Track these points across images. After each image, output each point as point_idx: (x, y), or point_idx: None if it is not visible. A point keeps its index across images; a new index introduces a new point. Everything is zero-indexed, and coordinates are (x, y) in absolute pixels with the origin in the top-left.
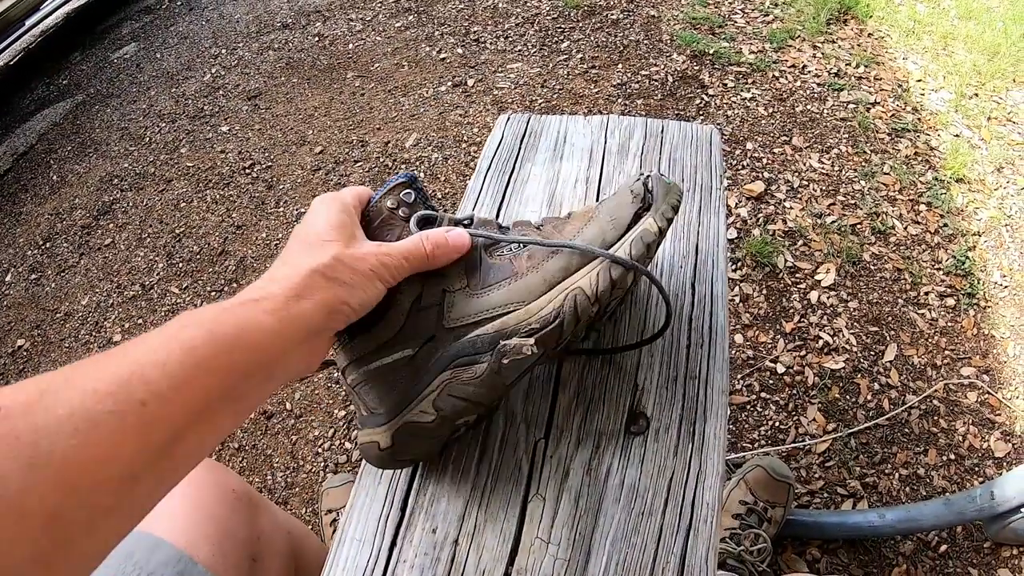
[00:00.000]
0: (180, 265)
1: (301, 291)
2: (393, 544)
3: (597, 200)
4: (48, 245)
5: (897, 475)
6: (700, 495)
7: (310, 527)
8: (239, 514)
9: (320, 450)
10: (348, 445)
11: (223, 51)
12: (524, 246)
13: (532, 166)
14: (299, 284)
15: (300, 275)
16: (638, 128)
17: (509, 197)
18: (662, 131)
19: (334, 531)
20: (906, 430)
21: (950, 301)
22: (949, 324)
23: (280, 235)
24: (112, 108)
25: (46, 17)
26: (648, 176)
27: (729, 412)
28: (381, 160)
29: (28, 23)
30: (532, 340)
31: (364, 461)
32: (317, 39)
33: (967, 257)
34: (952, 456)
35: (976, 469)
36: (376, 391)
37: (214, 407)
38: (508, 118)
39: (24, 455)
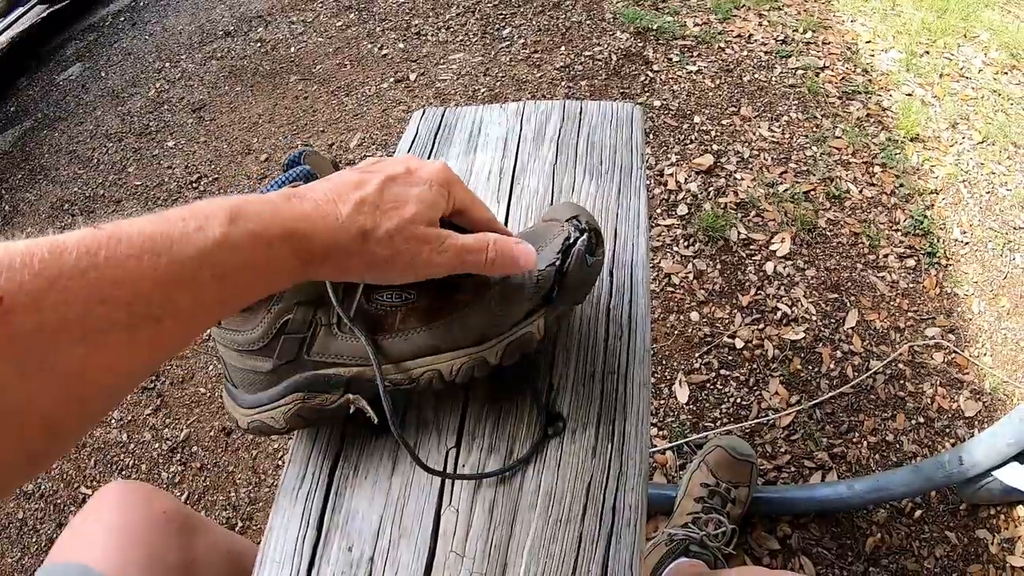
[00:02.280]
0: None
1: (334, 248)
2: (311, 565)
3: (510, 191)
4: None
5: (865, 443)
6: (621, 498)
7: None
8: (171, 537)
9: (281, 463)
10: None
11: (167, 64)
12: (405, 301)
13: (445, 160)
14: (336, 243)
15: (350, 235)
16: (555, 112)
17: None
18: (580, 112)
19: None
20: (872, 397)
21: (910, 262)
22: (910, 285)
23: None
24: (60, 132)
25: None
26: (573, 245)
27: (685, 398)
28: None
29: None
30: (373, 411)
31: (281, 482)
32: (259, 45)
33: (925, 216)
34: (921, 419)
35: (947, 431)
36: (236, 376)
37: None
38: (423, 112)
39: (27, 362)
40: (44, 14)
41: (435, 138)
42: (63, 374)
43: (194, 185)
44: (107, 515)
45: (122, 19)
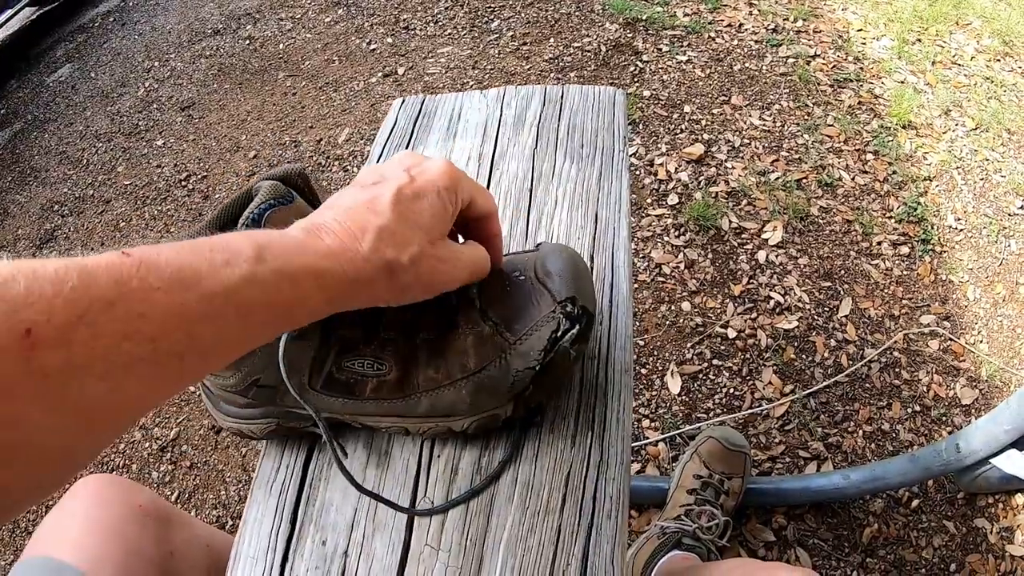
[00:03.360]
0: None
1: (360, 282)
2: (285, 559)
3: (489, 176)
4: None
5: (861, 432)
6: (602, 488)
7: None
8: (148, 531)
9: None
10: None
11: (156, 63)
12: (378, 372)
13: (424, 148)
14: (362, 274)
15: (374, 265)
16: (536, 96)
17: None
18: (562, 97)
19: None
20: (867, 385)
21: (904, 249)
22: (905, 273)
23: None
24: (50, 133)
25: None
26: (560, 339)
27: (677, 389)
28: (314, 158)
29: None
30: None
31: (256, 475)
32: (248, 42)
33: (919, 203)
34: (917, 408)
35: (943, 419)
36: (214, 394)
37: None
38: (403, 101)
39: (50, 398)
40: (34, 16)
41: (414, 126)
42: (85, 409)
43: (183, 183)
44: (83, 509)
45: (111, 19)
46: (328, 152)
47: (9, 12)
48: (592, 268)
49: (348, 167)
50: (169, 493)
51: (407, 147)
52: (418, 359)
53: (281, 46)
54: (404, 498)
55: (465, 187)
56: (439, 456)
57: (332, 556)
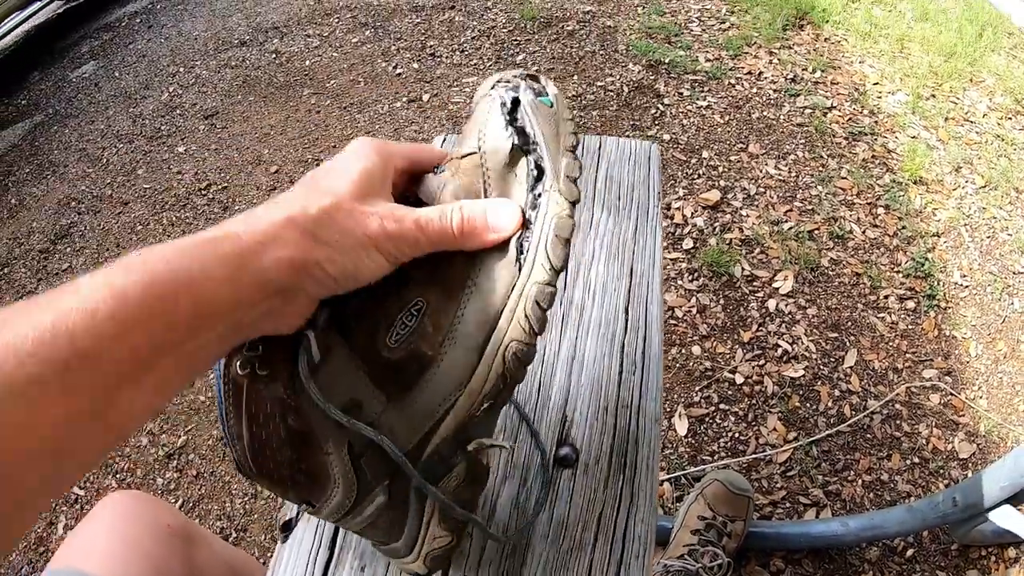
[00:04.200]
0: None
1: (267, 241)
2: None
3: None
4: (6, 271)
5: (860, 481)
6: (632, 528)
7: (269, 555)
8: (174, 550)
9: None
10: None
11: (181, 69)
12: (417, 318)
13: None
14: (267, 232)
15: (273, 223)
16: None
17: None
18: (599, 148)
19: None
20: (868, 436)
21: (910, 304)
22: (910, 327)
23: None
24: (71, 129)
25: (5, 35)
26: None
27: (684, 431)
28: None
29: None
30: (491, 441)
31: None
32: (274, 56)
33: (926, 259)
34: (916, 459)
35: (941, 471)
36: (375, 535)
37: (153, 363)
38: (444, 139)
39: (91, 411)
40: (61, 10)
41: None
42: (115, 423)
43: (203, 192)
44: (110, 524)
45: (138, 20)
46: None
47: (38, 4)
48: (626, 320)
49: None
50: (173, 501)
51: None
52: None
53: (307, 62)
54: None
55: (393, 147)
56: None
57: None
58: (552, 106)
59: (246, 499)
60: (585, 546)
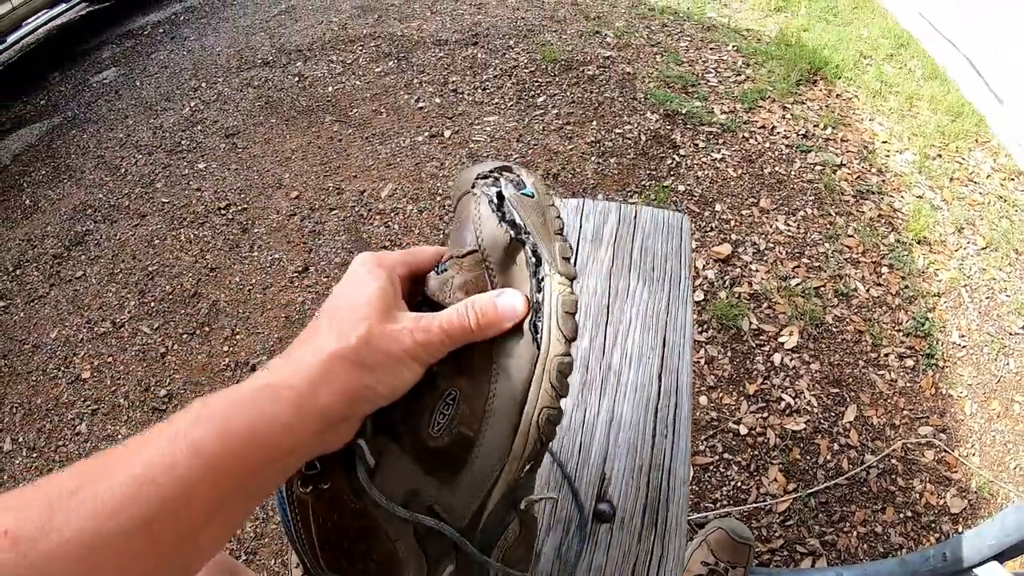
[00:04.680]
0: (152, 304)
1: (320, 380)
2: None
3: None
4: (18, 272)
5: (855, 533)
6: None
7: None
8: None
9: None
10: None
11: (203, 84)
12: (453, 407)
13: None
14: (319, 372)
15: (320, 361)
16: (612, 213)
17: None
18: (635, 217)
19: None
20: (864, 489)
21: (909, 362)
22: (908, 384)
23: (254, 280)
24: (89, 134)
25: (29, 34)
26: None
27: (689, 499)
28: (356, 209)
29: (10, 39)
30: (539, 495)
31: None
32: (297, 79)
33: (927, 318)
34: (909, 513)
35: (933, 526)
36: None
37: (226, 507)
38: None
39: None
40: (84, 12)
41: None
42: (191, 562)
43: (222, 212)
44: None
45: (161, 31)
46: (371, 205)
47: (64, 6)
48: (659, 387)
49: (389, 223)
50: None
51: None
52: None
53: (330, 89)
54: None
55: (389, 259)
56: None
57: None
58: (533, 195)
59: (256, 523)
60: None
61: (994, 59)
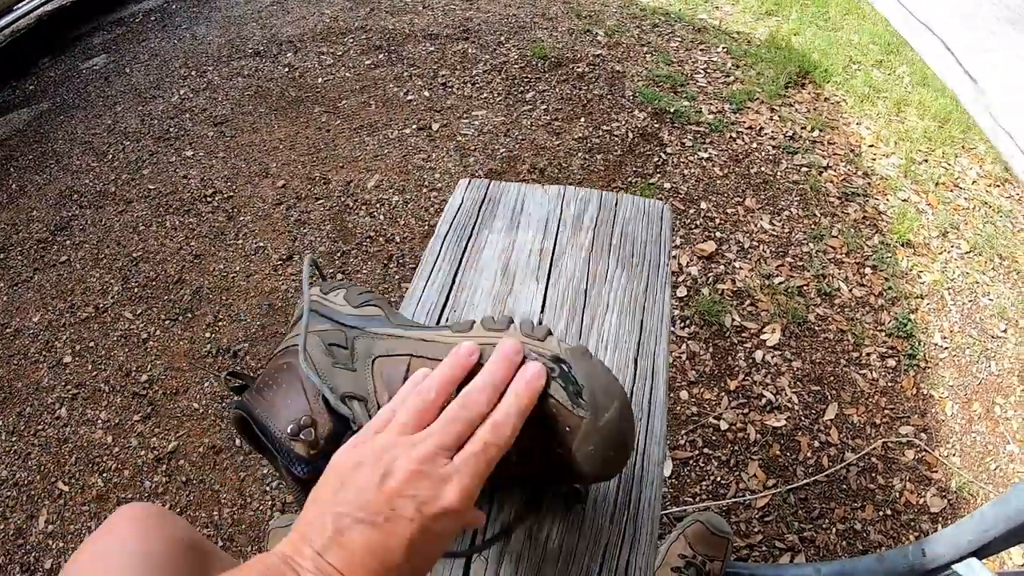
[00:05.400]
0: (135, 290)
1: None
2: None
3: (548, 273)
4: (2, 256)
5: (834, 530)
6: (634, 560)
7: None
8: (191, 566)
9: (268, 488)
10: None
11: (192, 73)
12: None
13: (489, 233)
14: None
15: None
16: (593, 200)
17: (465, 263)
18: (616, 204)
19: None
20: (844, 486)
21: (891, 362)
22: (889, 384)
23: (238, 267)
24: (77, 120)
25: (19, 19)
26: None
27: (668, 472)
28: (342, 199)
29: (0, 23)
30: None
31: None
32: (287, 70)
33: (909, 319)
34: (889, 511)
35: (912, 524)
36: None
37: None
38: (469, 183)
39: None
40: None
41: (479, 210)
42: None
43: (208, 199)
44: (122, 541)
45: (152, 19)
46: (356, 195)
47: None
48: (635, 371)
49: (375, 213)
50: (160, 506)
51: (473, 228)
52: None
53: (320, 80)
54: (464, 542)
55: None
56: (495, 520)
57: None
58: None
59: (235, 509)
60: (592, 574)
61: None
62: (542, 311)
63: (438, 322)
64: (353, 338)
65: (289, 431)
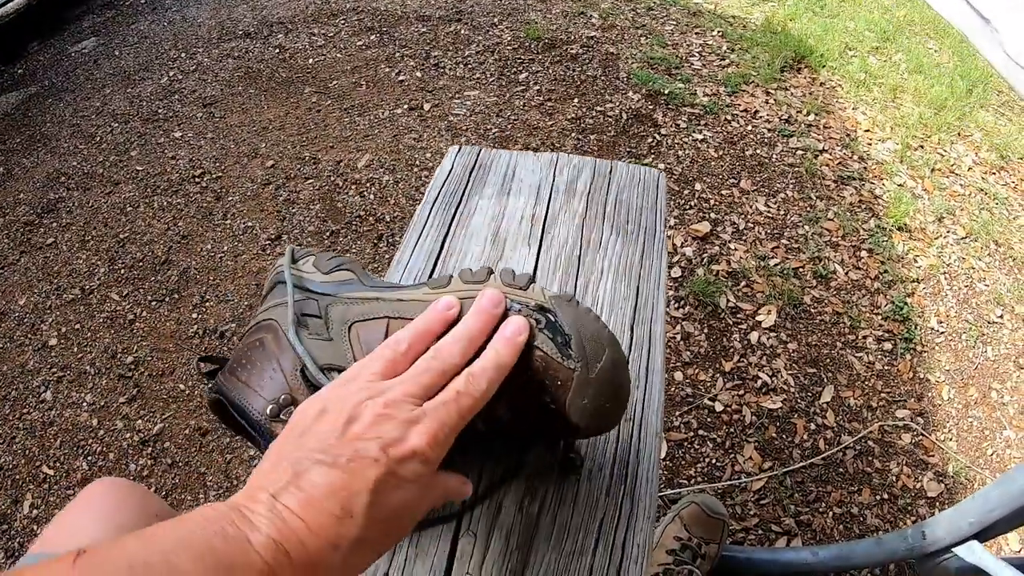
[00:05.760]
0: (122, 271)
1: None
2: None
3: (540, 238)
4: None
5: (831, 513)
6: (631, 536)
7: None
8: None
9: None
10: None
11: (182, 55)
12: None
13: (479, 199)
14: None
15: None
16: (586, 167)
17: (454, 230)
18: (610, 172)
19: None
20: (841, 470)
21: (887, 345)
22: (886, 368)
23: (225, 247)
24: (65, 103)
25: (8, 2)
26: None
27: (663, 453)
28: (332, 179)
29: None
30: None
31: None
32: (278, 51)
33: (905, 303)
34: (886, 495)
35: (909, 508)
36: None
37: None
38: (459, 149)
39: None
40: None
41: (470, 176)
42: None
43: (196, 180)
44: (98, 510)
45: (143, 1)
46: (346, 175)
47: None
48: (632, 338)
49: (365, 192)
50: (133, 481)
51: (463, 194)
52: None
53: (310, 61)
54: (448, 529)
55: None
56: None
57: None
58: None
59: (220, 492)
60: (586, 551)
61: None
62: (534, 276)
63: None
64: (326, 305)
65: (269, 411)
